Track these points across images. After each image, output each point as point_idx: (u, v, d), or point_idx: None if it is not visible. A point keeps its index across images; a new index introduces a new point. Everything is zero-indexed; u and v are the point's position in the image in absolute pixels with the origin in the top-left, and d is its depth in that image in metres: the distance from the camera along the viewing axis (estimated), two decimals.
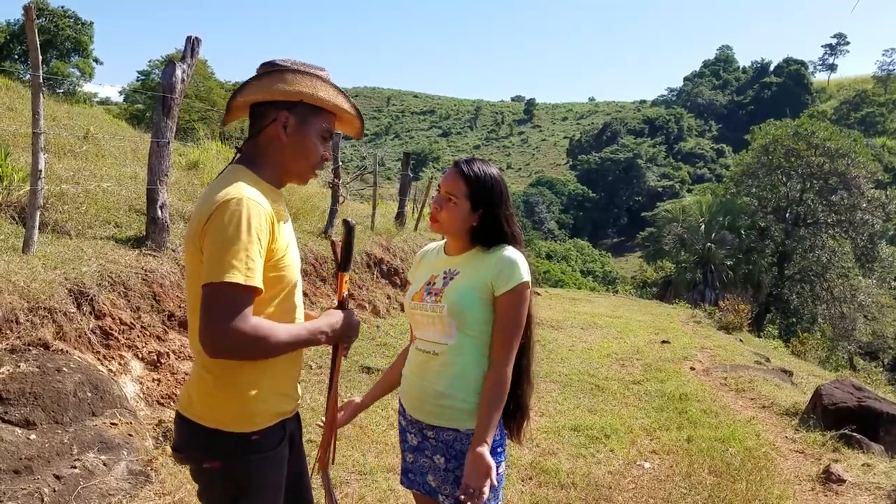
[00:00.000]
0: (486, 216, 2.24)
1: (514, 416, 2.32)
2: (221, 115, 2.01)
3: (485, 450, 2.05)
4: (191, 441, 1.88)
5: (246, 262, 1.66)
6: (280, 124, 1.86)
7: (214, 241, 1.67)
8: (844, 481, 4.88)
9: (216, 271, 1.65)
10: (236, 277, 1.64)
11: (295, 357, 1.99)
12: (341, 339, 1.99)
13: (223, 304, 1.64)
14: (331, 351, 2.10)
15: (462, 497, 2.02)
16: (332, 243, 2.15)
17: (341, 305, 2.07)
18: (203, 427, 1.83)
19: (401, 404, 2.44)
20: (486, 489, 2.02)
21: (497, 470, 2.12)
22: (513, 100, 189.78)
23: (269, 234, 1.77)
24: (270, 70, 1.88)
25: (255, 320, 1.68)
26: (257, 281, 1.69)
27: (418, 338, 2.33)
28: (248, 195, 1.73)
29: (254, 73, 1.94)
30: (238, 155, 1.94)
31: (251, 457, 1.85)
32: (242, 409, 1.83)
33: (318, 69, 1.93)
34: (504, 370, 2.15)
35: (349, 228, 2.11)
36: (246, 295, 1.67)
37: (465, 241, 2.30)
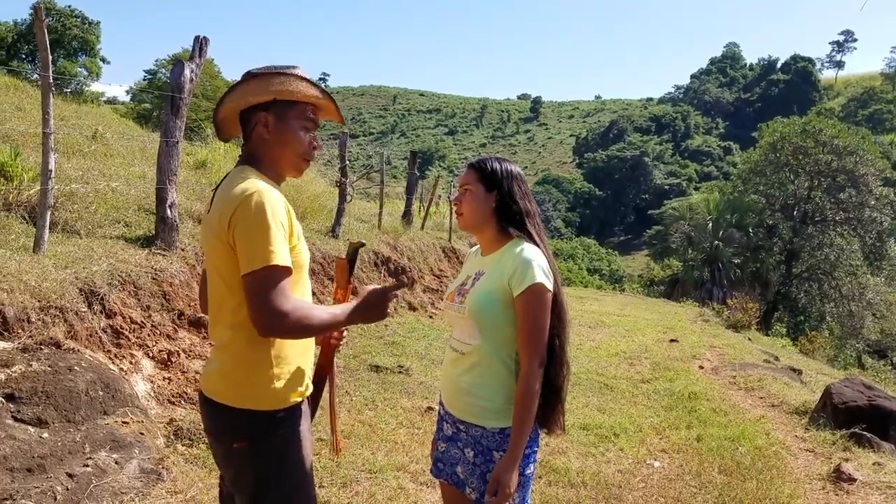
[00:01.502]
0: (500, 195, 2.32)
1: (548, 400, 2.28)
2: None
3: (510, 469, 2.13)
4: (220, 423, 2.00)
5: (279, 246, 1.81)
6: (262, 125, 2.00)
7: (246, 232, 1.82)
8: (855, 480, 4.86)
9: (257, 259, 1.79)
10: (275, 260, 1.79)
11: (307, 342, 2.10)
12: (376, 318, 2.06)
13: (269, 286, 1.78)
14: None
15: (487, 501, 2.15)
16: (346, 262, 2.26)
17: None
18: (231, 408, 1.95)
19: (440, 394, 2.49)
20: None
21: (524, 471, 2.21)
22: (519, 98, 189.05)
23: (288, 220, 1.90)
24: (244, 79, 2.02)
25: (297, 301, 1.83)
26: (289, 262, 1.84)
27: (452, 336, 2.40)
28: (264, 187, 1.87)
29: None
30: (240, 158, 2.09)
31: (278, 432, 1.97)
32: (268, 387, 1.95)
33: (288, 68, 2.03)
34: (529, 379, 2.15)
35: (360, 246, 2.29)
36: (285, 274, 1.81)
37: (492, 232, 2.35)
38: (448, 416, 2.40)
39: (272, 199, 1.85)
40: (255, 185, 1.87)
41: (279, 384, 1.96)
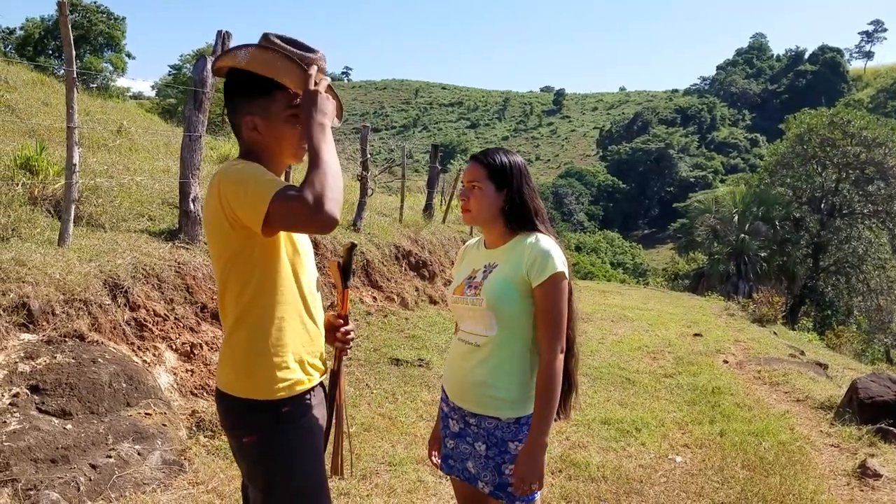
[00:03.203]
0: (510, 195, 2.30)
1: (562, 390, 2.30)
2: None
3: (539, 454, 2.15)
4: (231, 418, 2.02)
5: (266, 179, 1.80)
6: (250, 129, 1.97)
7: (237, 193, 1.81)
8: (881, 476, 4.79)
9: (259, 202, 1.76)
10: (272, 190, 1.75)
11: (314, 330, 2.08)
12: (324, 109, 1.91)
13: (284, 208, 1.74)
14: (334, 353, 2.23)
15: (512, 490, 2.18)
16: (337, 264, 2.23)
17: (345, 320, 2.21)
18: (238, 400, 1.96)
19: (443, 391, 2.48)
20: (535, 487, 2.16)
21: None
22: (542, 90, 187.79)
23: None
24: (228, 50, 2.00)
25: (300, 188, 1.76)
26: (282, 182, 1.81)
27: (461, 329, 2.38)
28: (238, 160, 1.93)
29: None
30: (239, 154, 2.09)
31: (284, 427, 1.96)
32: (268, 376, 1.95)
33: (265, 40, 1.95)
34: (552, 366, 2.17)
35: (352, 247, 2.23)
36: (284, 189, 1.76)
37: (500, 229, 2.34)
38: (455, 412, 2.39)
39: (248, 162, 1.89)
40: (230, 161, 1.92)
41: (280, 373, 1.96)
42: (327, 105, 1.91)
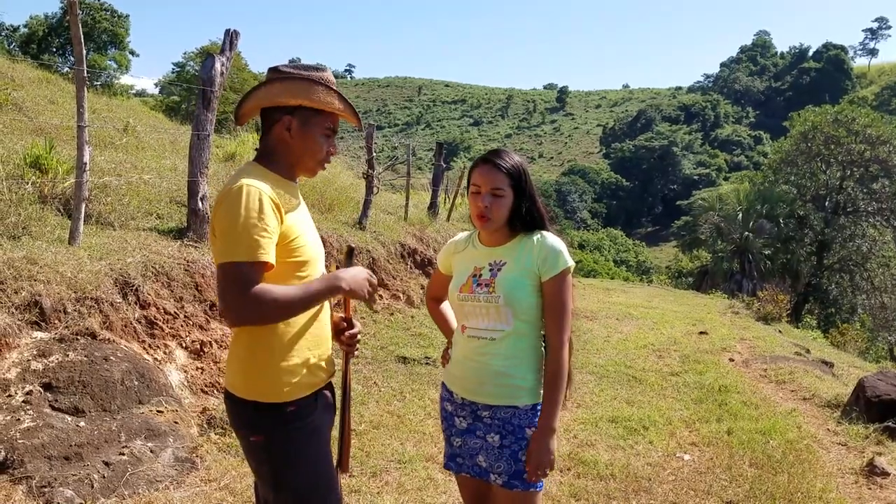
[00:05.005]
0: (524, 199, 2.34)
1: None
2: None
3: (551, 438, 2.26)
4: (238, 417, 2.05)
5: (248, 241, 1.81)
6: (284, 126, 2.01)
7: (222, 225, 1.85)
8: (889, 474, 4.79)
9: (225, 252, 1.82)
10: (240, 256, 1.80)
11: (321, 332, 2.11)
12: (358, 286, 2.05)
13: (232, 280, 1.81)
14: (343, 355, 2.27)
15: (526, 477, 2.28)
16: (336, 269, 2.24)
17: (349, 323, 2.24)
18: (245, 401, 1.99)
19: (446, 390, 2.51)
20: (548, 471, 2.28)
21: None
22: (545, 88, 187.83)
23: (278, 216, 1.89)
24: (273, 78, 2.02)
25: (260, 286, 1.81)
26: (264, 256, 1.83)
27: (469, 326, 2.40)
28: (249, 182, 1.88)
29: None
30: (256, 152, 2.11)
31: (290, 427, 1.99)
32: (274, 379, 1.98)
33: (317, 72, 2.03)
34: (561, 355, 2.28)
35: (350, 251, 2.29)
36: (252, 270, 1.81)
37: (504, 229, 2.38)
38: (463, 408, 2.42)
39: (254, 193, 1.86)
40: (242, 181, 1.88)
41: (286, 377, 1.98)
42: (351, 281, 2.03)
